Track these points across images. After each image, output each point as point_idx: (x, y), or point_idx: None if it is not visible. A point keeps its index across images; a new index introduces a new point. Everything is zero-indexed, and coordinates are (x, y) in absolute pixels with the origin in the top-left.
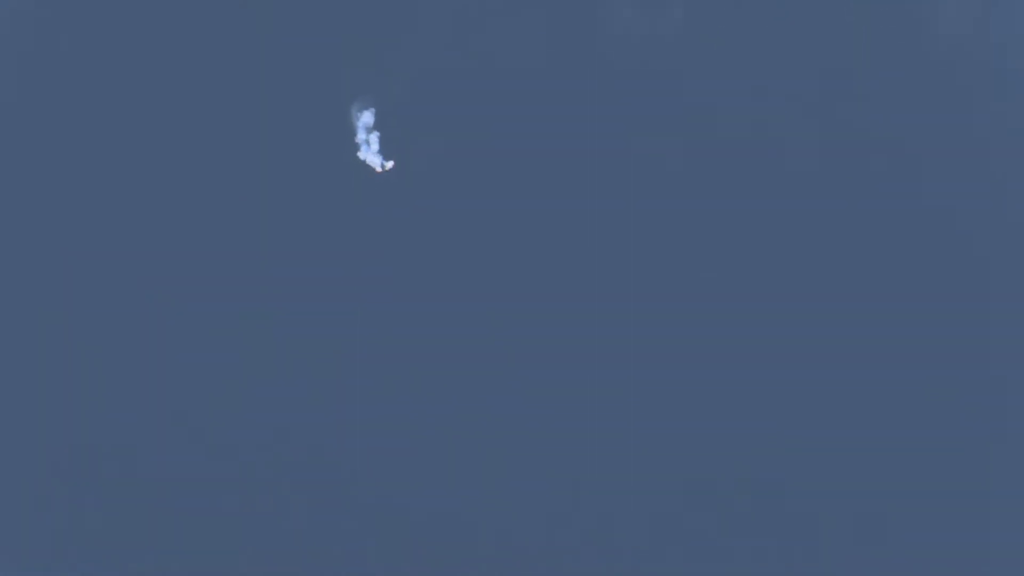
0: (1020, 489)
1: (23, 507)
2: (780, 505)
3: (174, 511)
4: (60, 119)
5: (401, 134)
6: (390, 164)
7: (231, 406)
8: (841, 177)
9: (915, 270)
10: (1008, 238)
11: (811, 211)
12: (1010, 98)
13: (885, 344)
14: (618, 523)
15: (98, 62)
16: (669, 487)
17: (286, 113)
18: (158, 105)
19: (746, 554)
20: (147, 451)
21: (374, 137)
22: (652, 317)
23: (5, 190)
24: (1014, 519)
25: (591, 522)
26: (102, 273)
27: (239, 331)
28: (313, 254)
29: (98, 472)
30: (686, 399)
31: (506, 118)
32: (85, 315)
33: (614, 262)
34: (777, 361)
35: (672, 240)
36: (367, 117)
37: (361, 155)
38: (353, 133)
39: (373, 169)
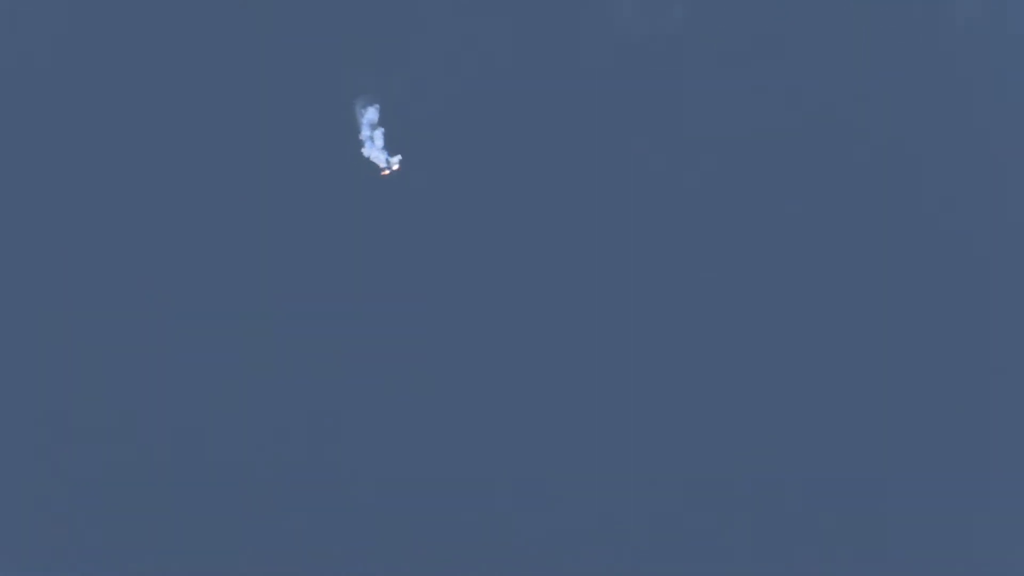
0: (1018, 488)
1: (23, 507)
2: (778, 505)
3: (174, 511)
4: (60, 119)
5: (405, 131)
6: (396, 164)
7: (232, 407)
8: (845, 177)
9: (919, 270)
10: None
11: (814, 211)
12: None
13: (884, 344)
14: (619, 523)
15: (101, 60)
16: (668, 487)
17: (290, 110)
18: (162, 104)
19: (745, 552)
20: (148, 451)
21: (378, 134)
22: (654, 317)
23: (12, 189)
24: (1012, 519)
25: (591, 522)
26: (102, 273)
27: (241, 331)
28: (317, 251)
29: (98, 472)
30: (687, 400)
31: (508, 115)
32: (86, 317)
33: (615, 261)
34: (776, 361)
35: (672, 237)
36: (371, 114)
37: (365, 152)
38: (357, 130)
39: (377, 166)
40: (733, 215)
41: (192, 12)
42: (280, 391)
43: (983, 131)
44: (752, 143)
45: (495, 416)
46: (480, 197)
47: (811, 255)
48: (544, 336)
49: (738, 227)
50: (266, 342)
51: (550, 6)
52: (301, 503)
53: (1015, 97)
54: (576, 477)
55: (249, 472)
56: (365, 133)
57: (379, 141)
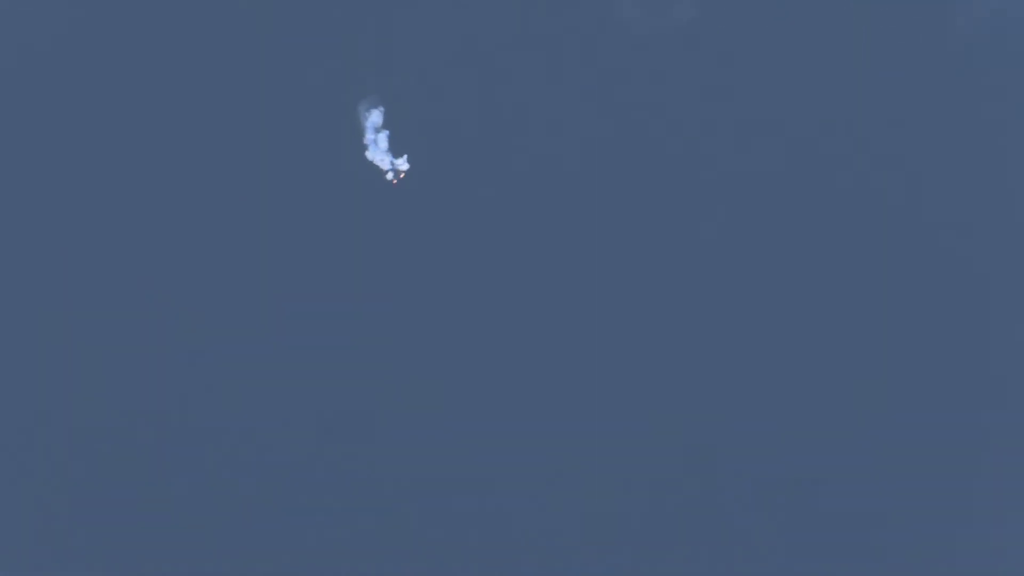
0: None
1: (23, 507)
2: (778, 505)
3: (174, 511)
4: (60, 118)
5: (410, 133)
6: (403, 168)
7: (233, 408)
8: (851, 180)
9: (924, 274)
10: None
11: (820, 213)
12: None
13: (884, 348)
14: (619, 524)
15: (101, 57)
16: (668, 487)
17: (292, 113)
18: (161, 108)
19: (746, 552)
20: (148, 451)
21: (383, 136)
22: (656, 316)
23: (13, 189)
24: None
25: (591, 523)
26: (104, 275)
27: (244, 333)
28: (319, 254)
29: (98, 472)
30: (689, 401)
31: (515, 117)
32: (86, 316)
33: (621, 262)
34: (775, 364)
35: (676, 235)
36: (375, 116)
37: (369, 155)
38: (361, 133)
39: (381, 169)
40: (737, 218)
41: (192, 14)
42: (281, 394)
43: (991, 136)
44: (757, 145)
45: (500, 417)
46: (486, 199)
47: (814, 257)
48: (550, 333)
49: (741, 228)
50: (268, 345)
51: (556, 6)
52: (301, 503)
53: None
54: (576, 478)
55: (249, 472)
56: (369, 136)
57: (383, 144)
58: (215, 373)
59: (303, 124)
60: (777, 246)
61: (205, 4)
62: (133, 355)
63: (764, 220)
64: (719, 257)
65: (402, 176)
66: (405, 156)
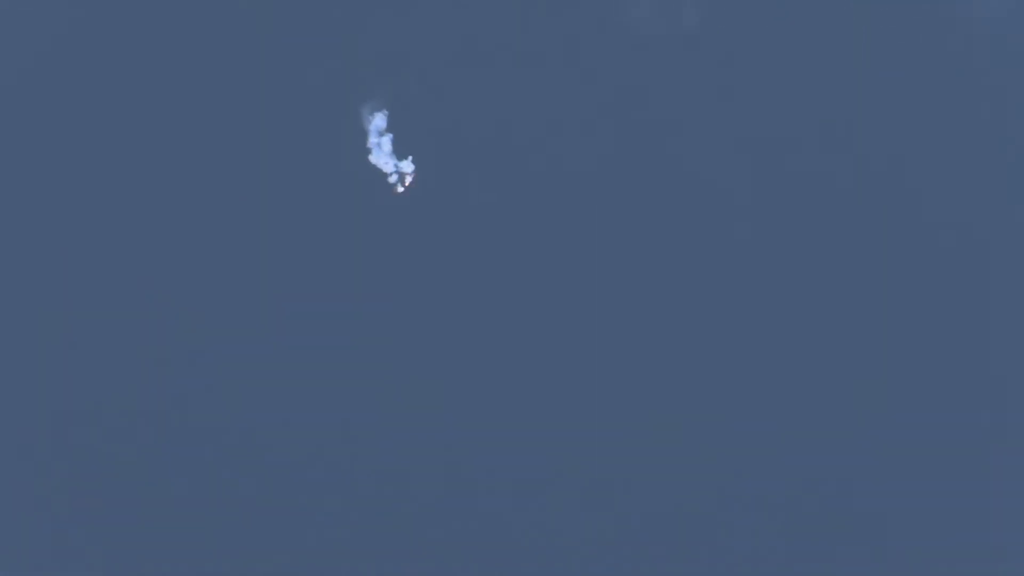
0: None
1: (23, 507)
2: (776, 506)
3: (174, 511)
4: (63, 124)
5: (414, 137)
6: (407, 171)
7: (233, 409)
8: (857, 179)
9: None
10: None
11: (822, 212)
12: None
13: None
14: (617, 526)
15: (103, 61)
16: (666, 491)
17: (294, 117)
18: (163, 110)
19: (744, 553)
20: (148, 452)
21: (386, 140)
22: (659, 314)
23: (17, 189)
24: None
25: (591, 522)
26: (104, 275)
27: (245, 335)
28: (322, 259)
29: (98, 472)
30: (689, 402)
31: (520, 120)
32: (85, 316)
33: (624, 265)
34: (774, 365)
35: (681, 235)
36: (379, 120)
37: (373, 159)
38: (364, 136)
39: (385, 174)
40: (741, 220)
41: (194, 18)
42: (282, 396)
43: (991, 137)
44: (760, 146)
45: (500, 417)
46: (491, 202)
47: (815, 256)
48: (553, 334)
49: (744, 230)
50: (270, 346)
51: (563, 7)
52: (301, 504)
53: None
54: (576, 478)
55: (249, 472)
56: (373, 140)
57: (387, 147)
58: (216, 375)
59: (306, 128)
60: (781, 245)
61: (207, 7)
62: (133, 356)
63: (766, 220)
64: (723, 258)
65: (408, 184)
66: (410, 158)
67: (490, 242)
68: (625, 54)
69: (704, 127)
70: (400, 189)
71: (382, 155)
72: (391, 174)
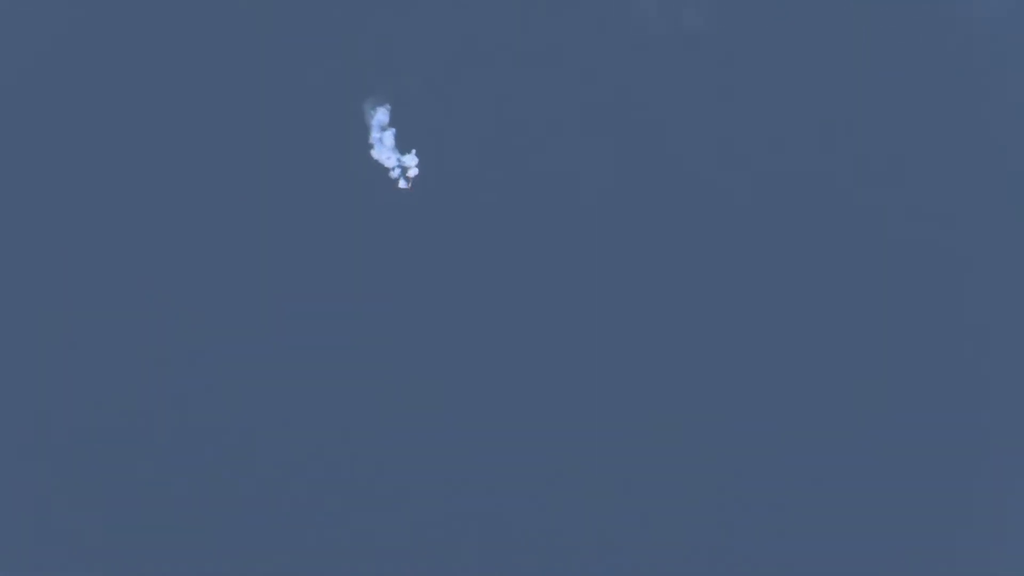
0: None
1: (23, 507)
2: (776, 506)
3: (174, 511)
4: (65, 114)
5: (417, 133)
6: (409, 165)
7: (233, 408)
8: (860, 182)
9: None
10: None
11: (823, 212)
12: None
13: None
14: (617, 527)
15: (105, 58)
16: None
17: (296, 112)
18: (165, 106)
19: (744, 554)
20: (147, 452)
21: (389, 135)
22: (660, 313)
23: (22, 188)
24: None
25: (591, 522)
26: (103, 273)
27: (244, 331)
28: (323, 256)
29: (98, 472)
30: (689, 403)
31: (523, 116)
32: (85, 317)
33: (625, 264)
34: (773, 365)
35: (684, 235)
36: (381, 115)
37: (375, 154)
38: (367, 132)
39: (387, 168)
40: (740, 217)
41: (196, 12)
42: (281, 393)
43: (991, 139)
44: (763, 145)
45: (500, 415)
46: (494, 200)
47: (815, 255)
48: (554, 329)
49: (743, 227)
50: (269, 343)
51: (565, 4)
52: (301, 504)
53: None
54: (577, 478)
55: (249, 473)
56: (375, 135)
57: (389, 141)
58: (216, 372)
59: (308, 123)
60: (779, 241)
61: (209, 3)
62: (133, 356)
63: (765, 218)
64: (724, 256)
65: (411, 177)
66: (413, 151)
67: (492, 236)
68: (626, 51)
69: (703, 124)
70: (403, 185)
71: (384, 150)
72: (393, 168)
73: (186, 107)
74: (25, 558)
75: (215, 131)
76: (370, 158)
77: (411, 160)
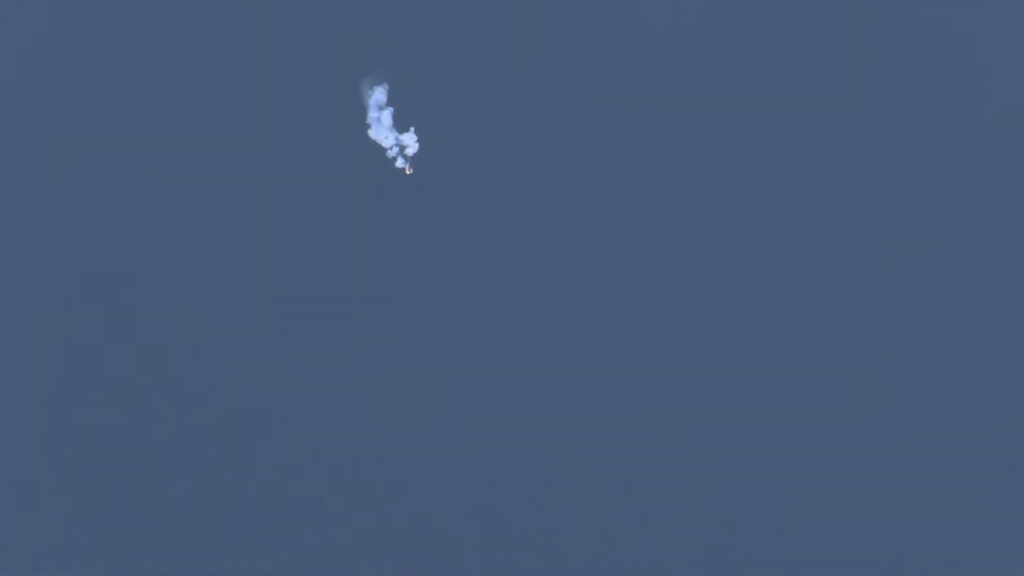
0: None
1: (23, 507)
2: (774, 506)
3: (174, 511)
4: (74, 104)
5: (414, 112)
6: (407, 143)
7: (232, 404)
8: (860, 181)
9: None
10: None
11: (831, 214)
12: None
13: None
14: (616, 529)
15: (101, 41)
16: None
17: (296, 92)
18: (163, 83)
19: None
20: (147, 453)
21: (386, 114)
22: (660, 307)
23: (22, 183)
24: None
25: (591, 523)
26: (103, 271)
27: (243, 329)
28: (321, 235)
29: (98, 473)
30: (689, 403)
31: (521, 99)
32: (86, 317)
33: (622, 258)
34: (771, 362)
35: (685, 226)
36: (379, 94)
37: (372, 134)
38: (364, 111)
39: (384, 148)
40: (745, 221)
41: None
42: (280, 390)
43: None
44: (761, 144)
45: (504, 416)
46: (490, 184)
47: (814, 255)
48: (553, 319)
49: (748, 230)
50: (266, 337)
51: None
52: (301, 504)
53: None
54: (578, 478)
55: (249, 473)
56: (372, 115)
57: (387, 121)
58: (214, 371)
59: (306, 105)
60: (780, 242)
61: None
62: (133, 355)
63: (766, 218)
64: (724, 253)
65: (411, 156)
66: (412, 129)
67: (492, 219)
68: (628, 33)
69: (700, 113)
70: (401, 163)
71: (382, 129)
72: (391, 148)
73: (183, 86)
74: (25, 558)
75: (213, 113)
76: (368, 138)
77: (410, 139)
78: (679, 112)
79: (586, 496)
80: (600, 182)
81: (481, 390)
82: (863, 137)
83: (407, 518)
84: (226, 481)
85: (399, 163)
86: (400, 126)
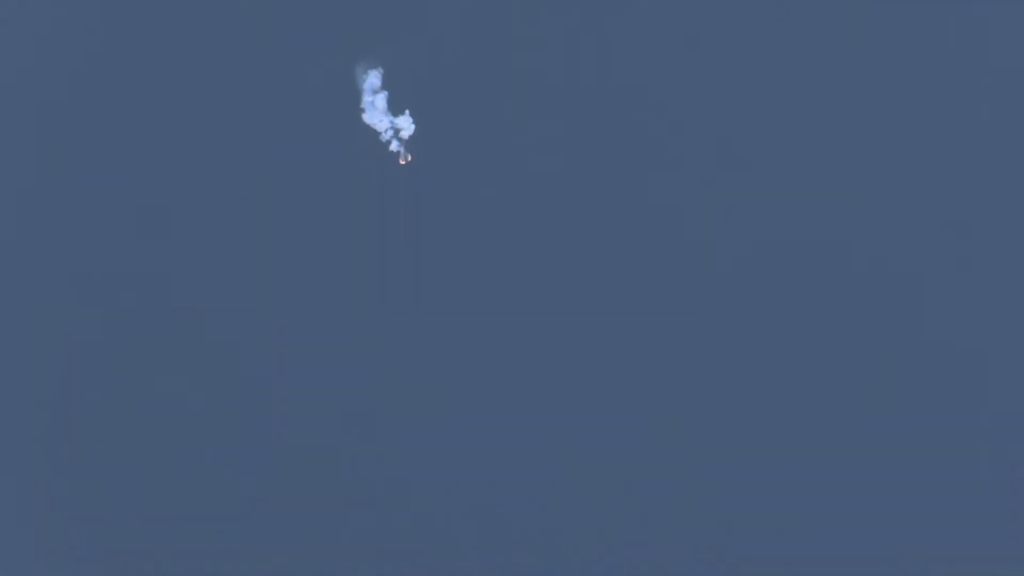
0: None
1: (23, 507)
2: (773, 507)
3: (174, 511)
4: (79, 95)
5: (408, 96)
6: (402, 127)
7: (231, 403)
8: (859, 183)
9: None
10: None
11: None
12: None
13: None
14: (617, 530)
15: (98, 34)
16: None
17: (290, 79)
18: (157, 69)
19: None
20: (147, 453)
21: (381, 97)
22: (660, 304)
23: (23, 180)
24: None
25: (591, 523)
26: (103, 269)
27: (241, 325)
28: (316, 221)
29: (98, 473)
30: (690, 403)
31: (517, 83)
32: (86, 316)
33: (629, 249)
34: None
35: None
36: (374, 78)
37: (367, 119)
38: (359, 96)
39: (378, 132)
40: (745, 220)
41: None
42: (277, 391)
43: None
44: (759, 143)
45: (503, 415)
46: (485, 168)
47: (814, 257)
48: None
49: (748, 230)
50: (264, 335)
51: None
52: (301, 503)
53: None
54: (580, 478)
55: (249, 474)
56: (367, 99)
57: (381, 104)
58: (214, 370)
59: (300, 89)
60: (780, 241)
61: None
62: (132, 355)
63: (765, 217)
64: (724, 251)
65: (405, 142)
66: (407, 112)
67: (488, 213)
68: (623, 14)
69: (696, 100)
70: (396, 147)
71: (376, 113)
72: (385, 131)
73: (176, 71)
74: (25, 558)
75: (206, 101)
76: (362, 123)
77: (405, 121)
78: (679, 92)
79: (586, 496)
80: (595, 164)
81: (481, 390)
82: (863, 137)
83: (407, 518)
84: (226, 481)
85: (394, 146)
86: (395, 110)
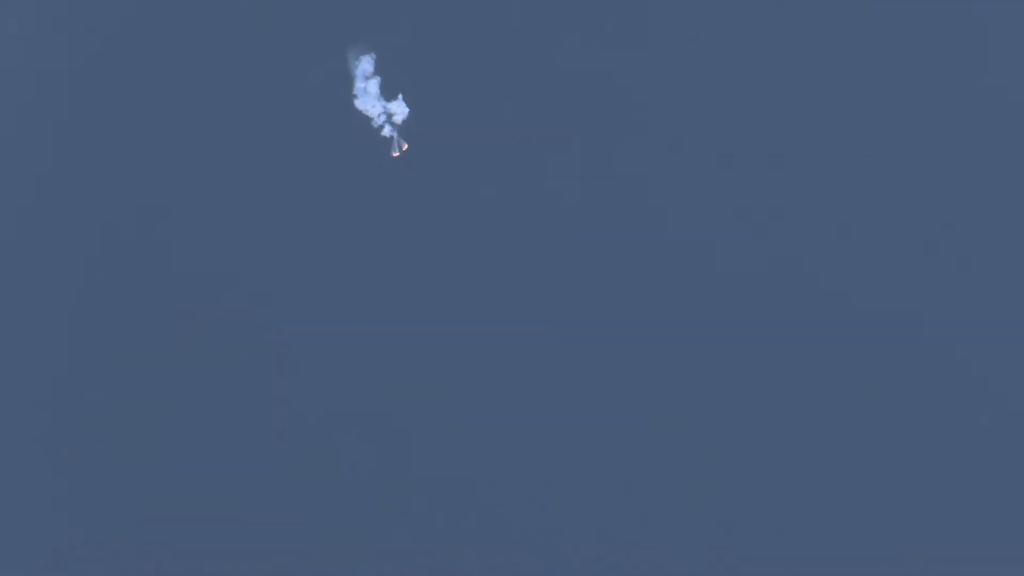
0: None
1: (23, 507)
2: (773, 507)
3: (174, 511)
4: (82, 87)
5: (401, 82)
6: (395, 111)
7: (230, 401)
8: (859, 185)
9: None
10: None
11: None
12: None
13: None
14: (617, 531)
15: (97, 25)
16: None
17: (282, 64)
18: (152, 58)
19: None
20: (148, 453)
21: (373, 83)
22: (660, 302)
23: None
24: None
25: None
26: (102, 268)
27: (239, 322)
28: (308, 208)
29: (98, 473)
30: (690, 402)
31: (511, 70)
32: (86, 315)
33: (626, 248)
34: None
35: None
36: (366, 64)
37: (359, 104)
38: (351, 80)
39: (371, 118)
40: (745, 219)
41: None
42: (276, 391)
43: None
44: (757, 143)
45: (503, 413)
46: (477, 154)
47: (814, 257)
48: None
49: (748, 229)
50: (263, 333)
51: None
52: (303, 504)
53: None
54: (581, 478)
55: (249, 473)
56: (359, 85)
57: (374, 90)
58: (212, 369)
59: (291, 75)
60: (779, 240)
61: None
62: (131, 353)
63: (764, 215)
64: (723, 249)
65: (400, 124)
66: (400, 97)
67: (484, 197)
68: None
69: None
70: (389, 133)
71: (368, 99)
72: (378, 116)
73: (167, 60)
74: (25, 558)
75: (198, 90)
76: (354, 108)
77: (398, 107)
78: (670, 73)
79: (586, 496)
80: (593, 147)
81: (481, 389)
82: (863, 136)
83: (407, 518)
84: (225, 481)
85: (387, 131)
86: (388, 95)
